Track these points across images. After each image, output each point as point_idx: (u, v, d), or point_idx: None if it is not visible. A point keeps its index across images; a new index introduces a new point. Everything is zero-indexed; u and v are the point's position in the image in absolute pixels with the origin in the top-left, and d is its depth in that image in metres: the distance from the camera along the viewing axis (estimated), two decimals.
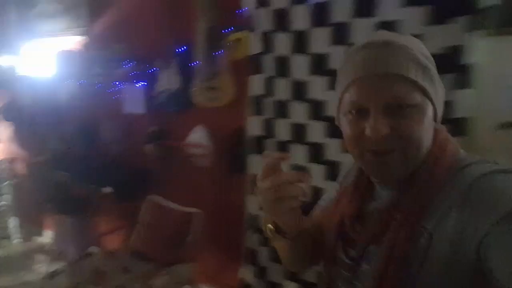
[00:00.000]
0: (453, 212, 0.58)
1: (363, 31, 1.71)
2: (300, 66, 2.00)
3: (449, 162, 0.64)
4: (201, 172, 2.45)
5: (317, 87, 1.97)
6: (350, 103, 0.64)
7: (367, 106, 0.62)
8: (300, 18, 1.98)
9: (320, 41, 1.93)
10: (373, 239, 0.68)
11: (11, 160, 3.56)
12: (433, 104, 0.64)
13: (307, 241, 0.81)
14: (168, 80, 2.47)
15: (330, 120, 1.90)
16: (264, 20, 2.09)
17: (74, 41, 2.95)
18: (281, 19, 2.04)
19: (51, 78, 3.08)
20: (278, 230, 0.73)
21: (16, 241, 3.47)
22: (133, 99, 2.71)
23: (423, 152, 0.64)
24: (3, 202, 3.45)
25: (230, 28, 2.18)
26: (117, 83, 2.73)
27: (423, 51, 0.64)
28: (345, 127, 0.67)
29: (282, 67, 2.06)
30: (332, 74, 1.86)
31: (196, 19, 2.25)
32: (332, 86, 1.88)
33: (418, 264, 0.59)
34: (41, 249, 3.42)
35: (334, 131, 1.87)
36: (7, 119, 3.50)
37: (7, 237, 3.49)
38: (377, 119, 0.60)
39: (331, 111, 1.88)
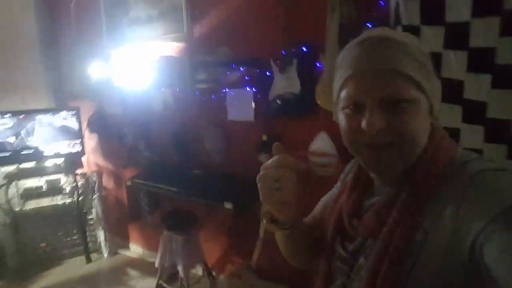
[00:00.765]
0: (449, 209, 0.58)
1: None
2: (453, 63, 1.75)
3: (445, 159, 0.64)
4: (324, 182, 2.24)
5: (474, 87, 1.72)
6: (347, 98, 0.65)
7: (363, 101, 0.63)
8: (459, 8, 1.73)
9: (482, 33, 1.68)
10: (370, 234, 0.68)
11: (100, 173, 3.49)
12: (429, 99, 0.64)
13: (305, 235, 0.84)
14: (286, 84, 2.28)
15: (487, 124, 1.67)
16: (412, 13, 1.86)
17: (171, 47, 2.82)
18: (433, 11, 1.80)
19: (145, 86, 2.96)
20: (274, 220, 0.76)
21: (106, 255, 3.38)
22: (242, 105, 2.54)
23: (419, 147, 0.64)
24: (93, 215, 3.38)
25: (368, 24, 1.97)
26: (225, 89, 2.57)
27: (419, 48, 0.65)
28: (342, 122, 0.68)
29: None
30: (492, 71, 1.63)
31: (326, 15, 2.05)
32: (494, 85, 1.67)
33: (412, 260, 0.60)
34: (131, 264, 3.33)
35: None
36: (92, 130, 3.43)
37: (97, 250, 3.41)
38: (373, 113, 0.61)
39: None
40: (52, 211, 3.27)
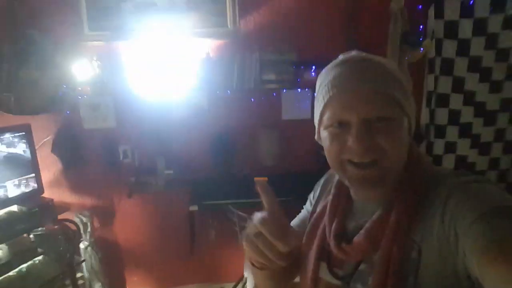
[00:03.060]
0: (436, 221, 0.60)
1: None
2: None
3: (427, 175, 0.67)
4: None
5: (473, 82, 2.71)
6: (332, 117, 0.66)
7: (348, 119, 0.64)
8: (465, 28, 2.64)
9: (477, 46, 2.66)
10: (363, 257, 0.68)
11: (90, 212, 2.49)
12: (409, 118, 0.67)
13: (285, 272, 0.77)
14: None
15: (478, 105, 2.71)
16: (438, 30, 2.62)
17: (206, 43, 2.44)
18: (451, 29, 2.63)
19: (165, 90, 2.41)
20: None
21: None
22: (297, 104, 2.62)
23: (401, 164, 0.67)
24: (80, 274, 2.41)
25: (421, 37, 2.59)
26: (284, 89, 2.54)
27: (396, 68, 0.69)
28: (326, 140, 0.68)
29: (448, 66, 2.68)
30: (485, 72, 2.66)
31: (382, 25, 2.50)
32: (482, 80, 2.69)
33: (413, 277, 0.61)
34: None
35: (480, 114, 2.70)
36: (61, 155, 2.42)
37: None
38: (360, 130, 0.62)
39: (479, 98, 2.70)
40: (23, 281, 2.16)
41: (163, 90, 2.45)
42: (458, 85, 2.71)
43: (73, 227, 2.40)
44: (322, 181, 0.91)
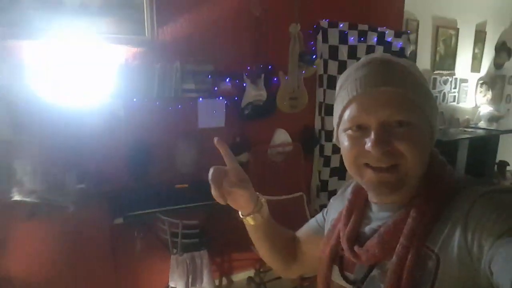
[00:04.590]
0: (457, 232, 0.58)
1: None
2: None
3: (448, 184, 0.65)
4: (287, 162, 3.13)
5: None
6: (351, 120, 0.65)
7: (367, 123, 0.63)
8: (343, 52, 3.29)
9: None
10: (375, 262, 0.68)
11: None
12: (430, 124, 0.66)
13: (272, 234, 0.88)
14: (256, 93, 2.86)
15: None
16: (324, 52, 3.18)
17: (129, 51, 2.32)
18: (333, 52, 3.23)
19: (74, 96, 2.19)
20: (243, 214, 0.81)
21: None
22: (214, 113, 2.75)
23: (420, 171, 0.65)
24: None
25: (314, 56, 3.07)
26: (200, 98, 2.63)
27: (419, 72, 0.68)
28: (345, 143, 0.67)
29: (332, 82, 3.28)
30: None
31: (283, 45, 2.90)
32: None
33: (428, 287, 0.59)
34: None
35: None
36: None
37: None
38: (378, 135, 0.61)
39: None
40: None
41: (72, 97, 2.24)
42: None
43: None
44: (336, 196, 0.91)
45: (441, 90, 4.54)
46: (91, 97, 2.30)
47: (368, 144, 0.62)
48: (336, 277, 0.75)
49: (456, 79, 4.66)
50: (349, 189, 0.81)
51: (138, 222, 2.39)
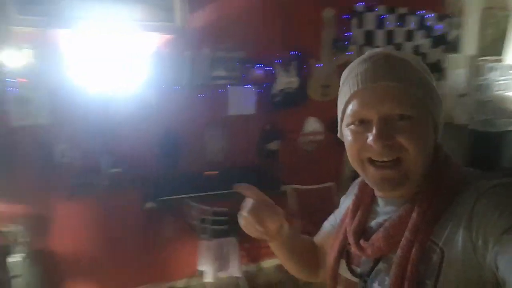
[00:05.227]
0: (462, 227, 0.59)
1: None
2: None
3: (454, 178, 0.66)
4: (318, 152, 3.07)
5: None
6: (353, 114, 0.66)
7: (369, 117, 0.64)
8: (380, 37, 3.14)
9: None
10: (380, 255, 0.69)
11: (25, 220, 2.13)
12: (433, 117, 0.66)
13: (295, 248, 0.89)
14: (287, 80, 2.81)
15: None
16: (359, 37, 3.05)
17: (155, 38, 2.36)
18: (369, 38, 3.09)
19: (109, 85, 2.27)
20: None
21: None
22: (243, 100, 2.74)
23: (423, 165, 0.65)
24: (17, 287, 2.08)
25: (347, 43, 2.96)
26: (229, 85, 2.63)
27: (423, 66, 0.68)
28: (348, 137, 0.68)
29: None
30: None
31: (321, 32, 2.81)
32: None
33: (432, 282, 0.59)
34: None
35: None
36: None
37: None
38: (380, 129, 0.62)
39: None
40: None
41: (107, 84, 2.31)
42: None
43: (4, 239, 2.10)
44: (346, 194, 0.92)
45: (487, 78, 4.23)
46: (124, 84, 2.36)
47: (370, 138, 0.63)
48: (343, 270, 0.76)
49: (505, 66, 4.32)
50: (358, 183, 0.81)
51: (168, 207, 2.44)
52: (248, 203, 0.77)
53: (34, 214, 2.32)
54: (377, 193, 0.74)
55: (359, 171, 0.69)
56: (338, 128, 0.73)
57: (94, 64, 2.26)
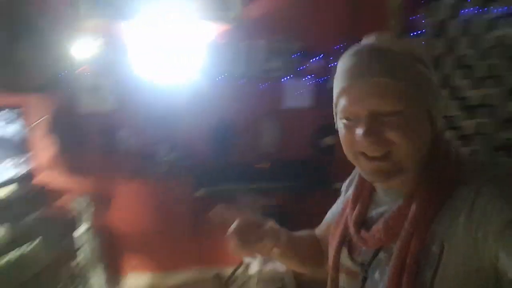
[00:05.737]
0: (462, 218, 0.58)
1: None
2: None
3: (454, 168, 0.65)
4: None
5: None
6: (343, 110, 0.66)
7: (358, 113, 0.63)
8: (453, 27, 2.82)
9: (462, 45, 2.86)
10: (380, 246, 0.69)
11: (89, 197, 2.37)
12: (428, 109, 0.64)
13: (297, 249, 0.88)
14: None
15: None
16: (429, 27, 2.78)
17: (212, 28, 2.41)
18: (440, 28, 2.80)
19: (167, 75, 2.36)
20: None
21: None
22: (299, 93, 2.67)
23: (416, 157, 0.64)
24: (82, 256, 2.31)
25: (417, 32, 2.73)
26: (287, 77, 2.58)
27: (416, 55, 0.65)
28: (341, 131, 0.68)
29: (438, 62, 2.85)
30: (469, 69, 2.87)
31: (386, 21, 2.62)
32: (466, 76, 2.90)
33: (431, 273, 0.59)
34: None
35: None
36: (58, 136, 2.29)
37: None
38: (368, 125, 0.61)
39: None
40: (17, 269, 2.05)
41: (167, 73, 2.40)
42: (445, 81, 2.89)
43: (71, 212, 2.31)
44: (347, 181, 0.92)
45: None
46: (182, 74, 2.43)
47: (359, 134, 0.63)
48: (345, 259, 0.76)
49: None
50: (357, 174, 0.81)
51: (218, 197, 2.49)
52: (234, 224, 0.77)
53: (98, 192, 2.52)
54: (375, 183, 0.74)
55: (353, 162, 0.69)
56: (334, 119, 0.73)
57: (155, 54, 2.36)
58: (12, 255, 2.05)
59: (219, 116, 2.60)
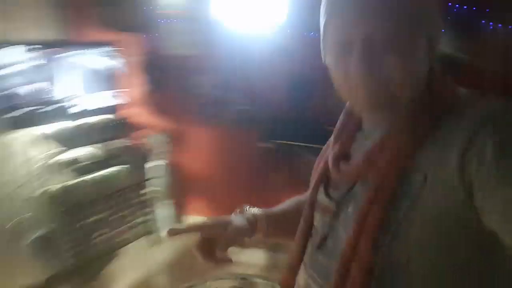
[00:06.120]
0: (453, 155, 0.53)
1: None
2: None
3: (448, 100, 0.60)
4: None
5: None
6: (333, 36, 0.60)
7: (350, 39, 0.57)
8: None
9: None
10: (358, 177, 0.64)
11: (167, 133, 2.61)
12: (427, 36, 0.59)
13: (285, 225, 0.85)
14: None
15: None
16: None
17: None
18: None
19: (256, 24, 2.38)
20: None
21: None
22: None
23: (413, 89, 0.60)
24: (152, 188, 2.57)
25: None
26: None
27: None
28: (331, 64, 0.63)
29: None
30: None
31: None
32: None
33: (408, 204, 0.56)
34: None
35: None
36: (148, 76, 2.52)
37: (156, 230, 2.67)
38: (363, 52, 0.56)
39: None
40: (98, 187, 2.34)
41: (248, 22, 2.41)
42: None
43: (148, 145, 2.54)
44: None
45: None
46: (267, 25, 2.41)
47: (352, 64, 0.58)
48: (321, 197, 0.73)
49: None
50: (344, 110, 0.76)
51: (285, 152, 2.47)
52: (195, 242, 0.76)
53: (174, 131, 2.71)
54: (364, 117, 0.69)
55: (346, 97, 0.66)
56: (322, 51, 0.67)
57: (243, 2, 2.37)
58: (97, 173, 2.36)
59: (299, 72, 2.54)
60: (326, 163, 0.74)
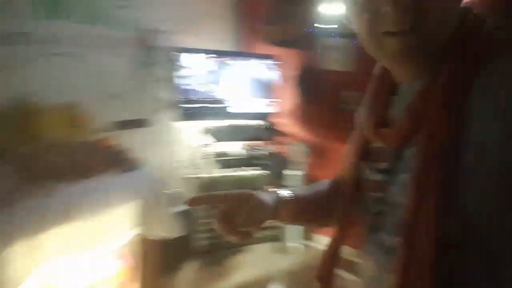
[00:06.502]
0: (502, 98, 0.47)
1: None
2: None
3: (485, 41, 0.55)
4: None
5: None
6: None
7: None
8: None
9: None
10: (406, 138, 0.59)
11: (309, 144, 2.72)
12: None
13: (304, 210, 0.84)
14: None
15: None
16: None
17: None
18: None
19: None
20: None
21: (296, 245, 2.69)
22: None
23: (447, 29, 0.56)
24: None
25: None
26: None
27: None
28: (357, 15, 0.59)
29: None
30: None
31: None
32: None
33: (467, 154, 0.49)
34: None
35: None
36: (300, 89, 2.68)
37: (282, 239, 2.70)
38: None
39: None
40: (239, 184, 2.56)
41: None
42: None
43: (289, 154, 2.64)
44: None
45: None
46: None
47: (384, 5, 0.54)
48: (368, 173, 0.71)
49: None
50: (375, 72, 0.73)
51: None
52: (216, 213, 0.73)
53: (316, 144, 2.71)
54: (397, 75, 0.66)
55: (375, 50, 0.61)
56: (346, 11, 0.64)
57: None
58: (241, 172, 2.60)
59: None
60: (362, 136, 0.73)
